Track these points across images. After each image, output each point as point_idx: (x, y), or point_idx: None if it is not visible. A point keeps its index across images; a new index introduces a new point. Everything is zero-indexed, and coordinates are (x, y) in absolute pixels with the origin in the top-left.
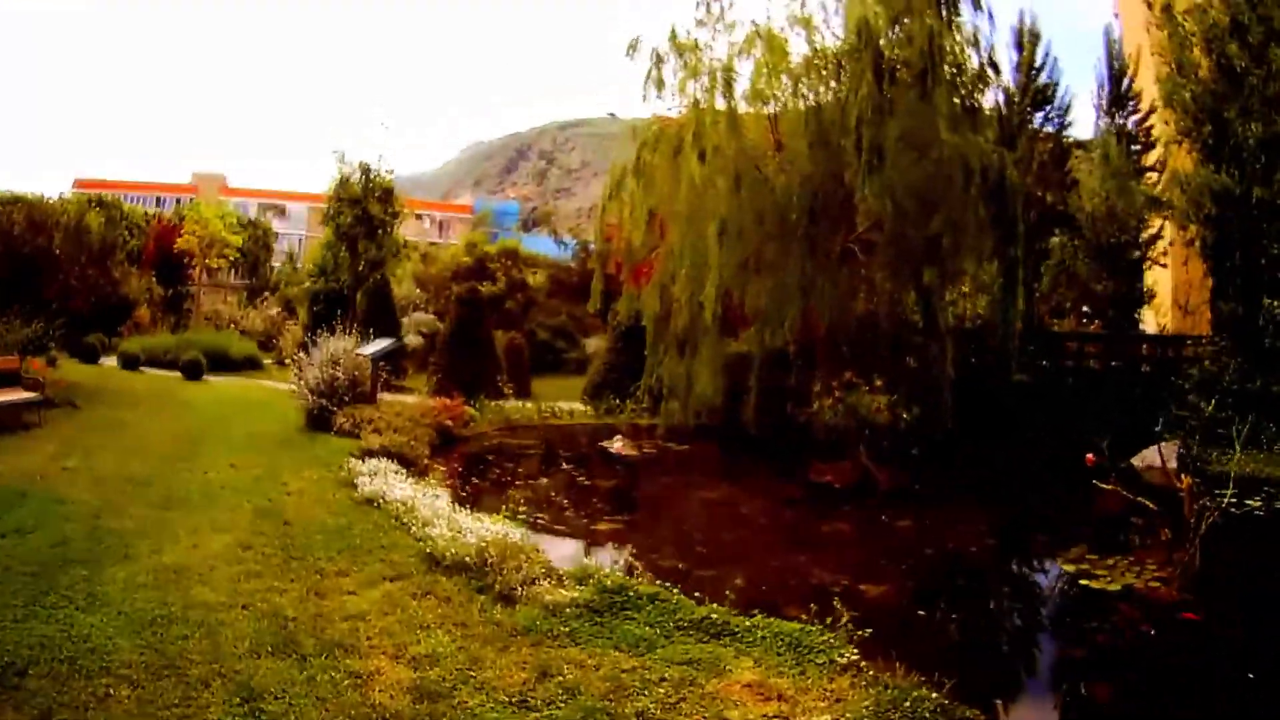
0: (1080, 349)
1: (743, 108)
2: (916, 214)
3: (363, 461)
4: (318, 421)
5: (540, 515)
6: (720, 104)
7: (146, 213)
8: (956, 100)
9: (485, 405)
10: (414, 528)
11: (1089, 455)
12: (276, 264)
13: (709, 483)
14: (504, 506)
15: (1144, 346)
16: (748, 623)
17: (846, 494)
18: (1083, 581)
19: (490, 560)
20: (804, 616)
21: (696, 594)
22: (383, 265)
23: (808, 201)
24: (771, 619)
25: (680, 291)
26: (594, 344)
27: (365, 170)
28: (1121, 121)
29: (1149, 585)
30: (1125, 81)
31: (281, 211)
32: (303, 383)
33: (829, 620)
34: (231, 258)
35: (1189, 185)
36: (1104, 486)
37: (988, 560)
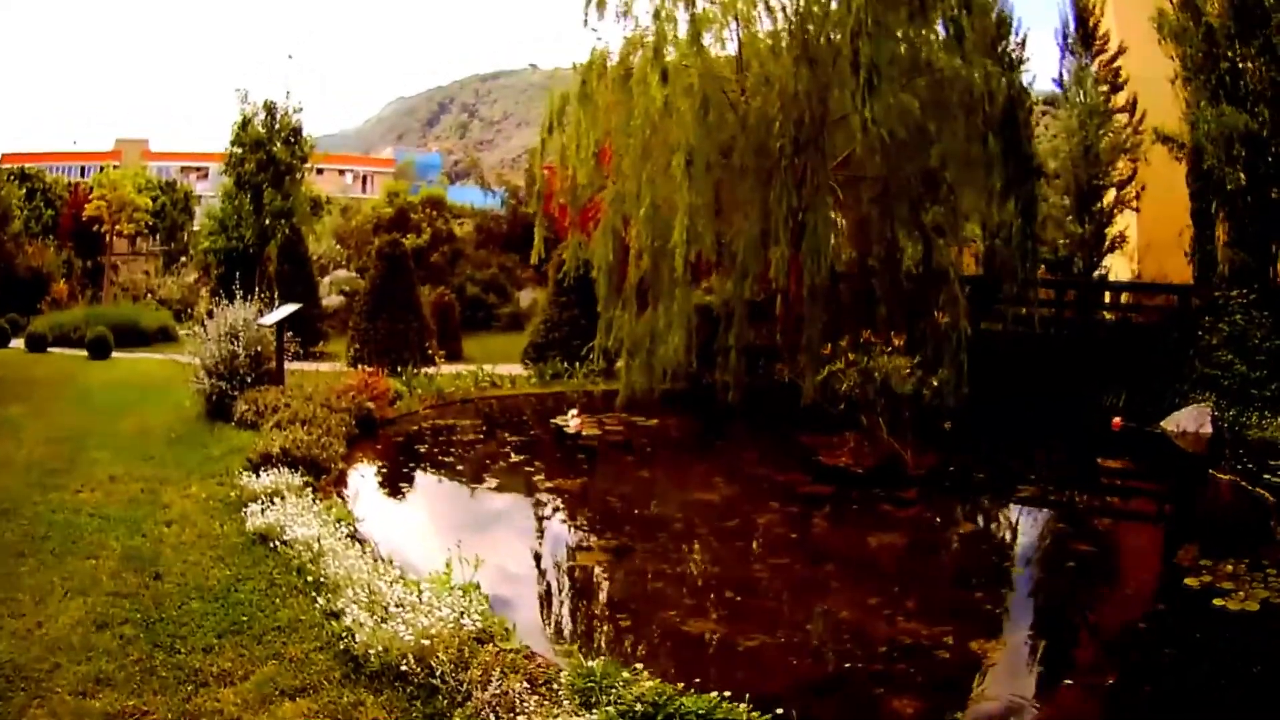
0: (1085, 299)
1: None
2: (915, 145)
3: (257, 475)
4: (216, 409)
5: (493, 551)
6: (682, 16)
7: (70, 183)
8: (949, 22)
9: (413, 376)
10: (323, 593)
11: (1116, 420)
12: (198, 228)
13: (699, 475)
14: (448, 548)
15: (1165, 297)
16: None
17: (869, 481)
18: (1216, 601)
19: (439, 668)
20: None
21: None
22: (291, 216)
23: (792, 128)
24: None
25: (639, 236)
26: (528, 297)
27: (270, 109)
28: (1087, 62)
29: None
30: (1091, 22)
31: (204, 174)
32: (198, 362)
33: None
34: (143, 222)
35: (1209, 123)
36: (1220, 475)
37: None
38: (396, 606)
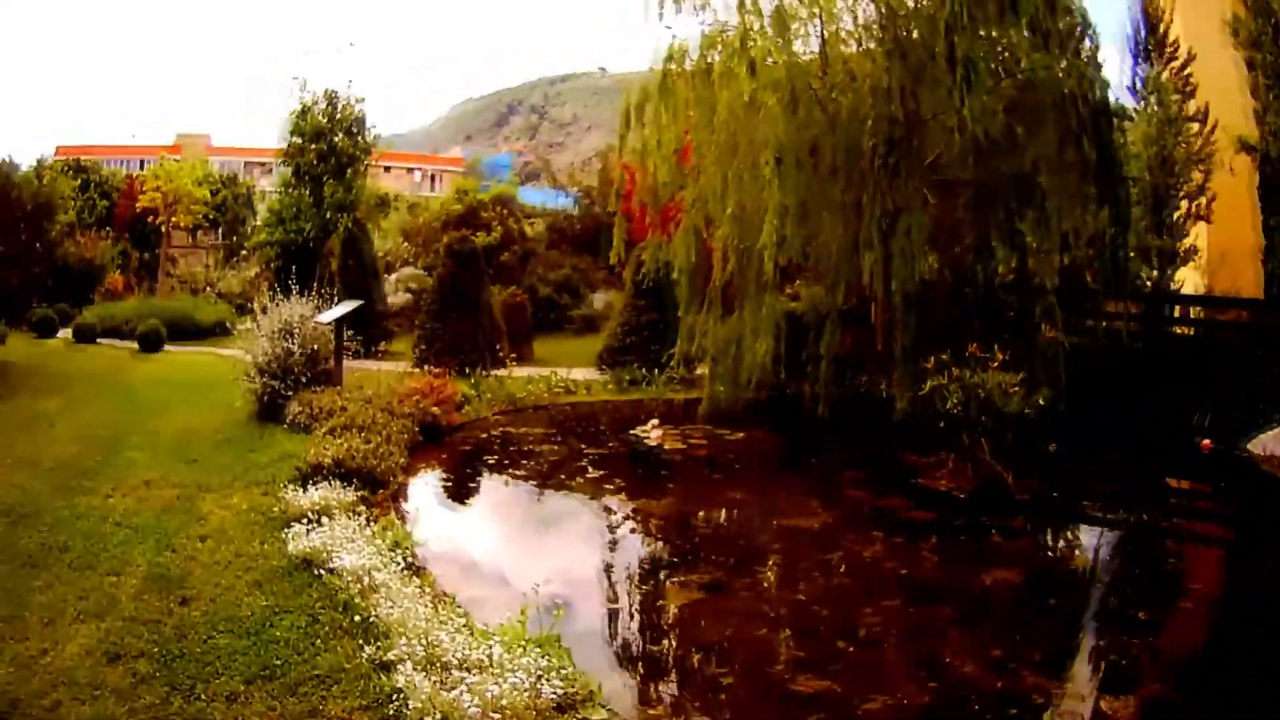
0: (1161, 313)
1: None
2: (1007, 149)
3: (305, 488)
4: (268, 410)
5: (572, 586)
6: (766, 7)
7: (128, 175)
8: (1034, 22)
9: (481, 379)
10: (373, 639)
11: (1205, 441)
12: (259, 223)
13: (793, 498)
14: (521, 589)
15: (1236, 312)
16: None
17: (972, 507)
18: None
19: None
20: None
21: None
22: (353, 210)
23: (885, 127)
24: None
25: (725, 237)
26: (602, 299)
27: (331, 99)
28: (1159, 69)
29: None
30: (1162, 28)
31: (268, 169)
32: (250, 360)
33: None
34: (201, 214)
35: None
36: None
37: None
38: (461, 665)
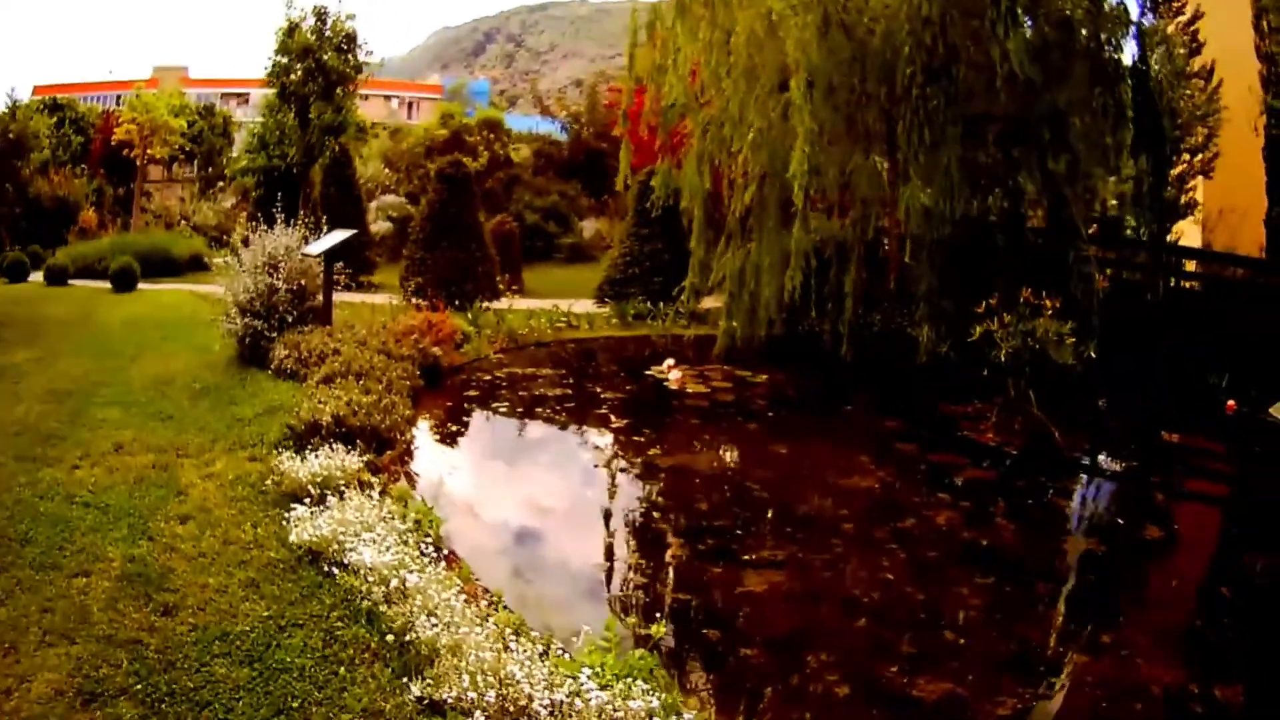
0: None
1: None
2: (1043, 87)
3: (302, 454)
4: (250, 353)
5: (636, 571)
6: None
7: (105, 110)
8: None
9: (480, 313)
10: (415, 666)
11: (1230, 403)
12: (236, 154)
13: (841, 452)
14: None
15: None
16: None
17: (1028, 464)
18: None
19: None
20: None
21: None
22: (341, 132)
23: (923, 55)
24: None
25: (746, 163)
26: (591, 228)
27: (320, 14)
28: (1166, 22)
29: None
30: None
31: (245, 99)
32: (230, 298)
33: None
34: (177, 145)
35: None
36: None
37: None
38: (549, 711)
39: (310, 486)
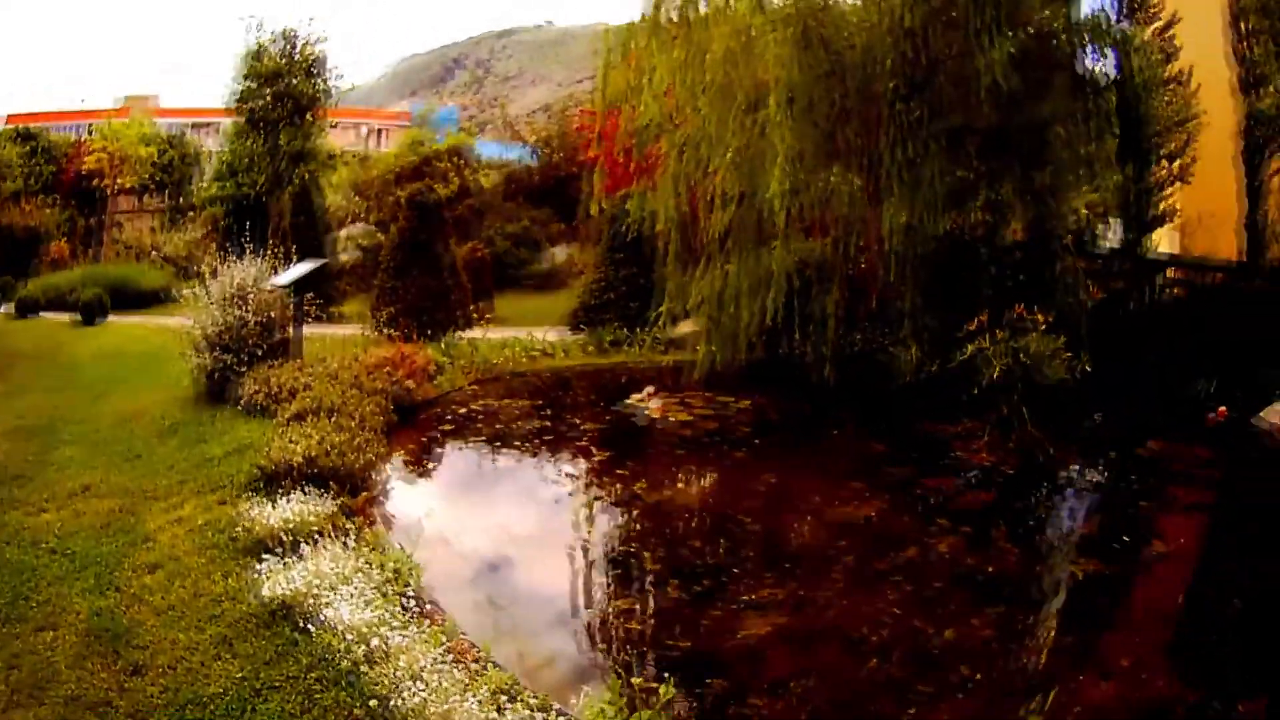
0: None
1: None
2: (1024, 97)
3: (272, 498)
4: (218, 389)
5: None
6: None
7: (76, 140)
8: None
9: (453, 344)
10: None
11: (1221, 409)
12: (205, 183)
13: (834, 480)
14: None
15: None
16: None
17: (1023, 484)
18: None
19: None
20: None
21: None
22: (310, 160)
23: (905, 67)
24: None
25: (724, 184)
26: (563, 253)
27: (289, 38)
28: (1142, 29)
29: None
30: None
31: (216, 129)
32: (198, 331)
33: None
34: (146, 175)
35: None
36: None
37: None
38: None
39: (282, 534)
